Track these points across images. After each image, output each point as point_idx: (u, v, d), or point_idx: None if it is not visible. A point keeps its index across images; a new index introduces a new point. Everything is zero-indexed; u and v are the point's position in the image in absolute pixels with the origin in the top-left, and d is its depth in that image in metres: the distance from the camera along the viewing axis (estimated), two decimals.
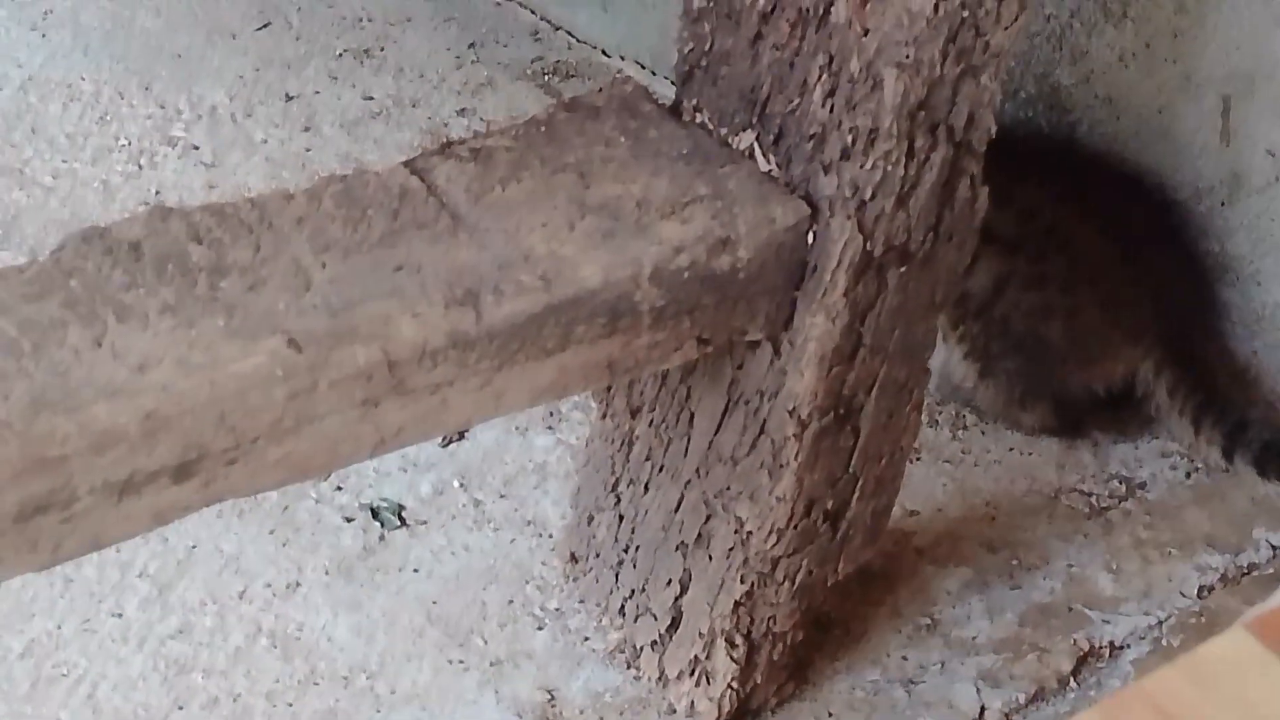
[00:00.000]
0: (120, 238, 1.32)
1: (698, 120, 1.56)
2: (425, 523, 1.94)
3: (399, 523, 1.93)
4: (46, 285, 1.28)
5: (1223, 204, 2.07)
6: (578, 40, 2.81)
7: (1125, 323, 2.04)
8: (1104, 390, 2.08)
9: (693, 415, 1.65)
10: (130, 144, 2.50)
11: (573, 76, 2.73)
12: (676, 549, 1.70)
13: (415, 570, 1.88)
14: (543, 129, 1.51)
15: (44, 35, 2.72)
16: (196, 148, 2.50)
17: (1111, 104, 2.14)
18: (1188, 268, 2.10)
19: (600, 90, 1.58)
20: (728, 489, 1.63)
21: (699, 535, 1.67)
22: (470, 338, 1.33)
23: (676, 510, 1.69)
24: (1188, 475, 2.05)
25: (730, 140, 1.53)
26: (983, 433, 2.10)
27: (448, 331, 1.32)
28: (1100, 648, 1.84)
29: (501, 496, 1.98)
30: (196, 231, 1.34)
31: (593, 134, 1.51)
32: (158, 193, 2.41)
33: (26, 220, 2.33)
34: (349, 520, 1.93)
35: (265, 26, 2.78)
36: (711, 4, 1.53)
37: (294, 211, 1.38)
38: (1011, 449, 2.09)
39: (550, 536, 1.92)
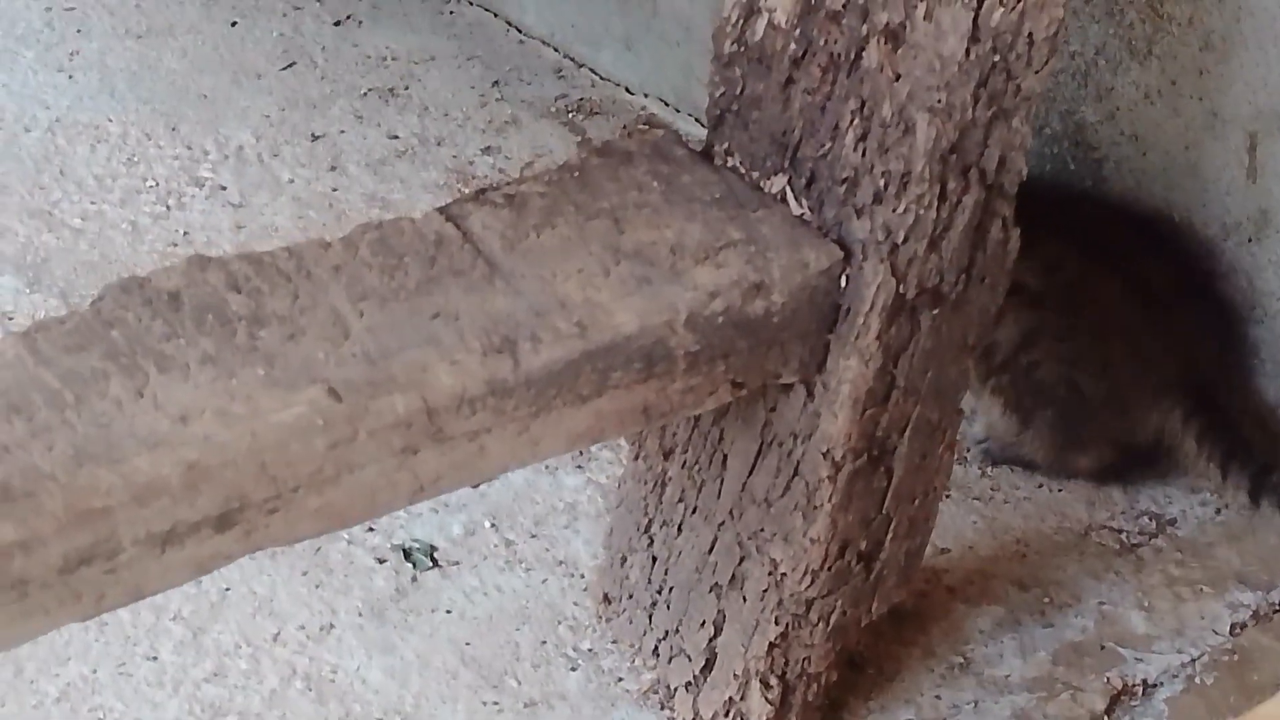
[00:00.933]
0: (159, 288, 1.33)
1: (729, 165, 1.56)
2: (457, 563, 1.94)
3: (431, 564, 1.94)
4: (87, 336, 1.29)
5: (1250, 240, 2.07)
6: (601, 78, 2.82)
7: (1154, 377, 2.04)
8: (1140, 441, 2.08)
9: (726, 457, 1.65)
10: (158, 185, 2.51)
11: (597, 114, 2.74)
12: (710, 590, 1.70)
13: (448, 611, 1.88)
14: (576, 175, 1.52)
15: (71, 77, 2.73)
16: (224, 188, 2.51)
17: (1137, 141, 2.14)
18: (1213, 314, 2.10)
19: (631, 135, 1.59)
20: (761, 531, 1.63)
21: (733, 577, 1.67)
22: (508, 385, 1.34)
23: (710, 552, 1.69)
24: (1218, 512, 2.05)
25: (762, 184, 1.54)
26: (1012, 470, 2.10)
27: (486, 379, 1.33)
28: (1133, 686, 1.84)
29: (533, 536, 1.98)
30: (235, 281, 1.35)
31: (626, 180, 1.52)
32: (186, 234, 2.42)
33: (56, 263, 2.34)
34: (381, 561, 1.93)
35: (290, 66, 2.80)
36: (743, 49, 1.54)
37: (331, 260, 1.39)
38: (1041, 486, 2.09)
39: (582, 577, 1.92)
